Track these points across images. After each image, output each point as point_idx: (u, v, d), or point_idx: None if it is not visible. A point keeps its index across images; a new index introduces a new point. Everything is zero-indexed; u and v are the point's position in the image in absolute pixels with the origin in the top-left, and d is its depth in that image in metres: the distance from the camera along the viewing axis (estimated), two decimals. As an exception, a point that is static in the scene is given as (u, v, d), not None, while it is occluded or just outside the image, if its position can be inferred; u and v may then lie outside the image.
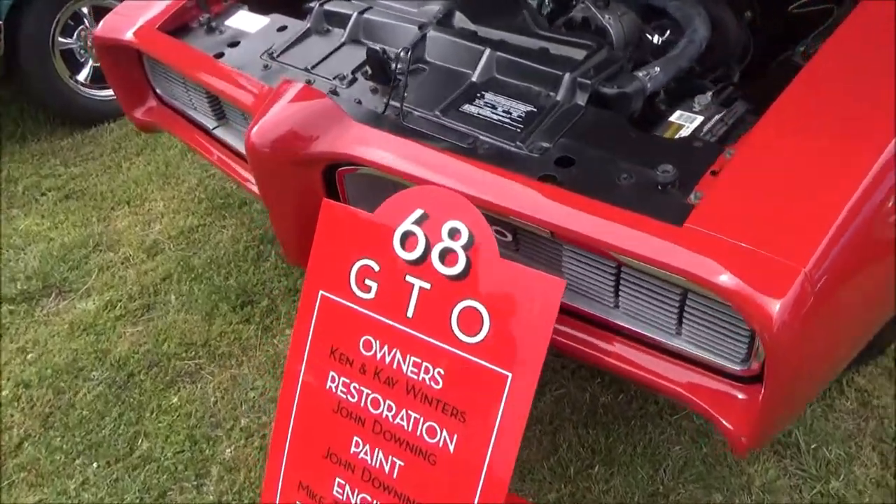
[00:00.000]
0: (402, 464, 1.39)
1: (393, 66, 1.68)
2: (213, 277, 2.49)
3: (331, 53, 1.84)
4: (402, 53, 1.59)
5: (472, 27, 1.74)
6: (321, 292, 1.50)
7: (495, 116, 1.50)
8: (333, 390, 1.48)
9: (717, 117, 1.46)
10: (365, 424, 1.43)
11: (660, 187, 1.25)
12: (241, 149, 2.03)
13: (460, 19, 1.77)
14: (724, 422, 1.18)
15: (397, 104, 1.58)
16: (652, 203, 1.21)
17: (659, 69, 1.56)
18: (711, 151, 1.30)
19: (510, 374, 1.28)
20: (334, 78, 1.74)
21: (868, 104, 1.22)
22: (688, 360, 1.29)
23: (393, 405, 1.41)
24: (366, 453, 1.43)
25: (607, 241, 1.18)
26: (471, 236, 1.32)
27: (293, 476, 1.51)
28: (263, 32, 2.03)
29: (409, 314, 1.39)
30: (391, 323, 1.41)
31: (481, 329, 1.31)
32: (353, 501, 1.45)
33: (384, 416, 1.41)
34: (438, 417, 1.35)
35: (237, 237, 2.66)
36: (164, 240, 2.71)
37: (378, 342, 1.42)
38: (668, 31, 1.85)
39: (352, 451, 1.45)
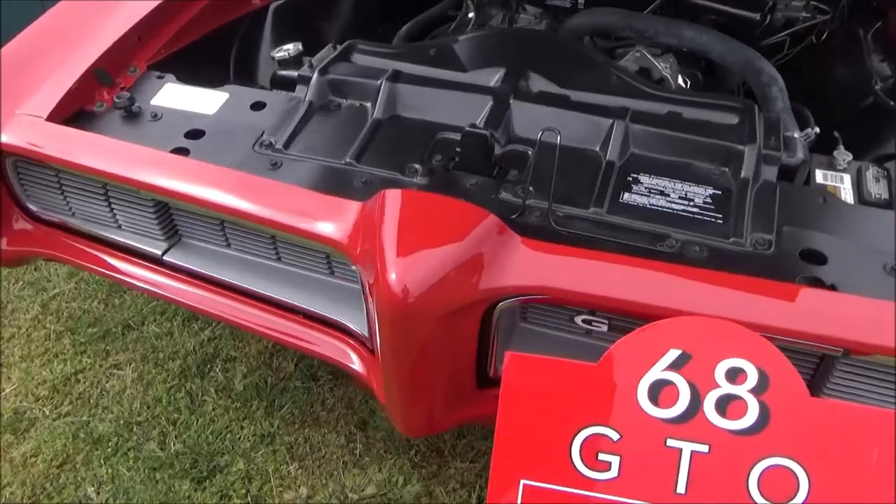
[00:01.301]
0: None
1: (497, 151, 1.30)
2: (143, 445, 1.79)
3: (370, 137, 1.37)
4: (540, 135, 1.20)
5: (560, 91, 1.40)
6: (523, 482, 1.08)
7: (676, 206, 1.21)
8: None
9: (869, 173, 1.34)
10: None
11: None
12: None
13: (539, 82, 1.42)
14: None
15: (532, 203, 1.21)
16: None
17: (815, 129, 1.39)
18: (963, 224, 1.17)
19: (852, 539, 1.02)
20: (406, 172, 1.29)
21: None
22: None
23: None
24: None
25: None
26: (763, 376, 1.02)
27: None
28: (230, 113, 1.46)
29: (681, 489, 1.05)
30: (654, 505, 1.05)
31: (797, 491, 1.02)
32: None
33: None
34: None
35: (146, 377, 1.96)
36: (30, 405, 1.90)
37: (636, 534, 1.06)
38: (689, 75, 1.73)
39: None
